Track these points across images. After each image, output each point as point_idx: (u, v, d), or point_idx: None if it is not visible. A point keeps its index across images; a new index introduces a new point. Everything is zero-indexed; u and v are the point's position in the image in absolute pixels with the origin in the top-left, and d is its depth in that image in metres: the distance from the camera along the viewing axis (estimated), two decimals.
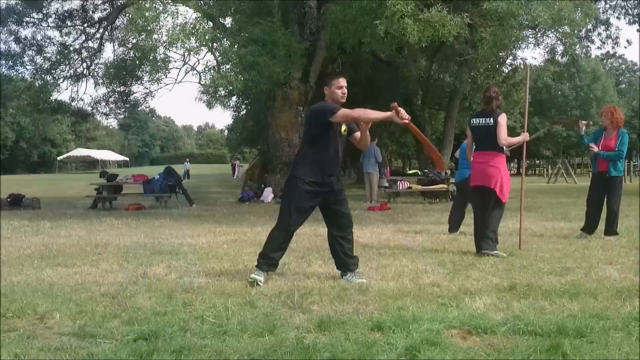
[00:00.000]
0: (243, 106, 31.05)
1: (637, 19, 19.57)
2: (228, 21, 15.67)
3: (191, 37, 12.46)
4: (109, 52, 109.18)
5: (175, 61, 14.82)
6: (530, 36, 14.00)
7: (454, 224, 7.86)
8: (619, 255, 5.80)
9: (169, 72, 14.87)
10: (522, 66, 18.89)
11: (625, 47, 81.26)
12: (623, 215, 8.09)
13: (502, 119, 5.89)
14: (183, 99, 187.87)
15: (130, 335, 3.15)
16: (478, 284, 4.41)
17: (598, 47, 24.01)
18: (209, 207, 13.35)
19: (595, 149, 7.12)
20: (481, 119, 5.98)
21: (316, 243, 6.92)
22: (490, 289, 4.24)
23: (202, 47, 13.20)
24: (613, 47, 20.58)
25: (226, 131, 48.17)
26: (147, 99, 17.95)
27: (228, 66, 13.21)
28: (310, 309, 3.71)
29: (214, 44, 13.40)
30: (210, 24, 14.22)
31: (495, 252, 5.82)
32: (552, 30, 12.35)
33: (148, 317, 3.52)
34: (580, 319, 3.34)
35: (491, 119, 5.87)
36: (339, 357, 2.72)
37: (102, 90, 18.75)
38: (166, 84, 16.48)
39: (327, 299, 3.96)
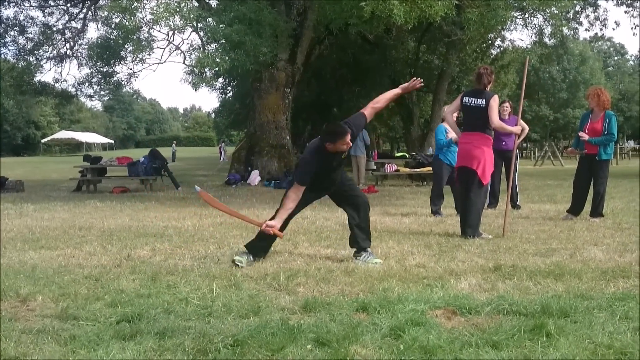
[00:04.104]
0: (230, 88, 30.84)
1: (625, 0, 19.57)
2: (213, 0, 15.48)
3: (175, 16, 12.27)
4: (93, 32, 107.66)
5: (159, 40, 14.64)
6: (518, 17, 13.94)
7: (433, 209, 7.94)
8: (604, 236, 5.84)
9: (152, 52, 14.66)
10: (510, 48, 18.88)
11: (614, 29, 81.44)
12: (609, 198, 8.16)
13: (494, 101, 5.85)
14: (168, 81, 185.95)
15: (113, 318, 3.12)
16: (463, 265, 4.43)
17: (586, 29, 24.09)
18: (195, 190, 13.24)
19: (585, 137, 7.11)
20: (473, 99, 5.91)
21: (303, 225, 6.90)
22: (475, 270, 4.25)
23: (187, 26, 13.00)
24: (601, 29, 20.76)
25: (213, 114, 47.77)
26: (131, 79, 17.69)
27: (213, 46, 13.05)
28: (295, 291, 3.70)
29: (199, 23, 13.19)
30: (195, 2, 14.01)
31: (481, 234, 5.84)
32: (540, 12, 12.29)
33: (131, 299, 3.49)
34: (565, 299, 3.36)
35: (483, 100, 5.82)
36: (324, 338, 2.70)
37: (86, 70, 18.48)
38: (150, 65, 16.26)
39: (312, 280, 3.95)
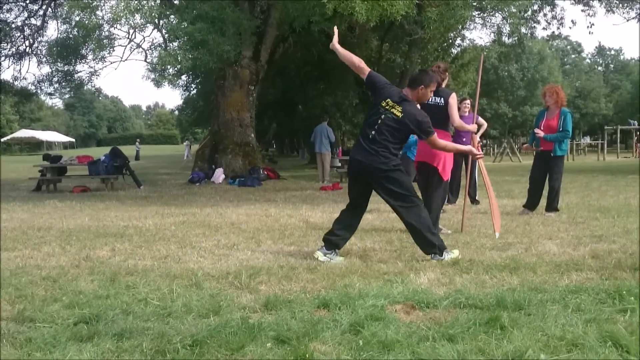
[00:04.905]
0: (193, 85, 30.53)
1: None
2: None
3: (136, 14, 12.09)
4: (53, 29, 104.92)
5: (120, 39, 14.39)
6: (477, 17, 14.20)
7: None
8: (559, 230, 6.02)
9: (113, 50, 14.43)
10: (470, 47, 19.21)
11: (570, 28, 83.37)
12: (564, 193, 8.40)
13: (452, 99, 5.94)
14: (131, 78, 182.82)
15: (71, 319, 3.08)
16: (423, 261, 4.51)
17: (544, 28, 24.60)
18: (157, 189, 13.10)
19: (541, 133, 7.30)
20: (432, 97, 6.00)
21: (266, 223, 6.91)
22: (434, 265, 4.34)
23: (148, 24, 12.83)
24: (558, 28, 21.18)
25: (176, 111, 47.17)
26: (92, 78, 17.35)
27: (176, 44, 12.90)
28: (257, 289, 3.71)
29: (161, 21, 13.02)
30: (157, 0, 13.83)
31: (441, 229, 5.94)
32: (499, 11, 12.55)
33: (89, 300, 3.45)
34: (519, 292, 3.46)
35: (442, 98, 5.90)
36: (284, 335, 2.73)
37: (46, 69, 18.06)
38: (111, 62, 15.97)
39: (275, 278, 3.97)
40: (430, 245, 4.56)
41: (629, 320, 2.93)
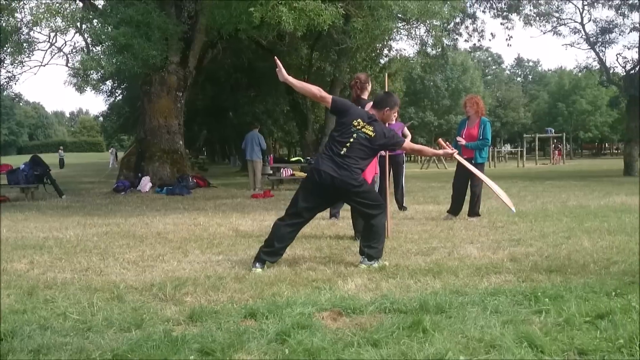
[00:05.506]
0: (119, 91, 29.61)
1: (500, 13, 21.12)
2: (100, 1, 14.79)
3: (57, 17, 11.60)
4: None
5: (40, 42, 13.72)
6: (402, 28, 14.61)
7: (332, 211, 8.09)
8: (480, 234, 6.27)
9: (33, 54, 13.78)
10: (398, 57, 19.68)
11: (490, 40, 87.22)
12: (485, 198, 8.74)
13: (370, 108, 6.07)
14: (53, 83, 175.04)
15: None
16: (352, 267, 4.56)
17: (465, 40, 25.65)
18: (80, 198, 12.57)
19: (463, 142, 7.60)
20: None
21: (195, 232, 6.79)
22: (362, 271, 4.40)
23: (70, 28, 12.32)
24: (479, 40, 22.06)
25: (101, 117, 45.52)
26: (10, 83, 16.45)
27: (99, 48, 12.47)
28: (182, 301, 3.62)
29: (83, 25, 12.55)
30: (80, 3, 13.33)
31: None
32: (422, 22, 12.98)
33: (5, 315, 3.28)
34: (441, 295, 3.56)
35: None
36: (208, 347, 2.68)
37: None
38: (31, 67, 15.23)
39: (201, 289, 3.89)
40: (381, 252, 4.74)
41: (544, 321, 3.07)
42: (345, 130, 4.66)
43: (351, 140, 4.62)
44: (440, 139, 5.87)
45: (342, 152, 4.61)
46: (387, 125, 5.03)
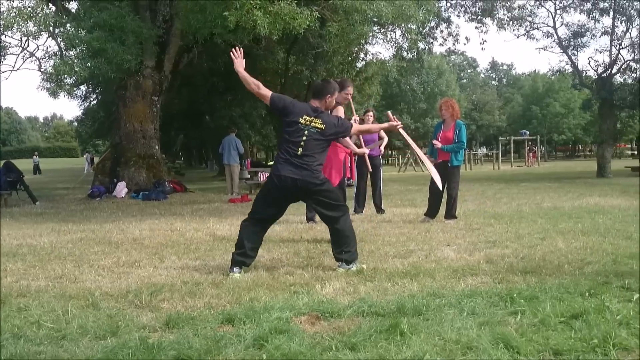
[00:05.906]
0: (93, 95, 29.20)
1: (474, 17, 21.39)
2: (73, 5, 14.60)
3: (29, 21, 11.40)
4: None
5: (12, 47, 13.44)
6: (378, 32, 14.71)
7: (309, 215, 8.09)
8: (456, 237, 6.32)
9: (4, 59, 13.50)
10: (374, 60, 19.80)
11: (465, 44, 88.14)
12: (462, 200, 8.84)
13: (340, 112, 6.14)
14: (26, 88, 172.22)
15: None
16: (330, 271, 4.56)
17: (440, 44, 25.93)
18: (54, 204, 12.35)
19: (439, 144, 7.67)
20: None
21: (171, 238, 6.73)
22: (340, 275, 4.40)
23: (42, 32, 12.12)
24: (454, 44, 22.29)
25: (76, 122, 44.83)
26: None
27: (72, 53, 12.29)
28: (159, 307, 3.58)
29: (56, 29, 12.36)
30: (52, 7, 13.13)
31: None
32: (397, 27, 13.07)
33: None
34: (419, 297, 3.58)
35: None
36: (185, 354, 2.65)
37: None
38: (2, 72, 14.94)
39: (178, 295, 3.86)
40: (355, 253, 4.72)
41: (519, 322, 3.11)
42: (295, 129, 4.63)
43: (304, 138, 4.59)
44: (389, 112, 5.82)
45: (299, 153, 4.59)
46: (331, 113, 5.09)
